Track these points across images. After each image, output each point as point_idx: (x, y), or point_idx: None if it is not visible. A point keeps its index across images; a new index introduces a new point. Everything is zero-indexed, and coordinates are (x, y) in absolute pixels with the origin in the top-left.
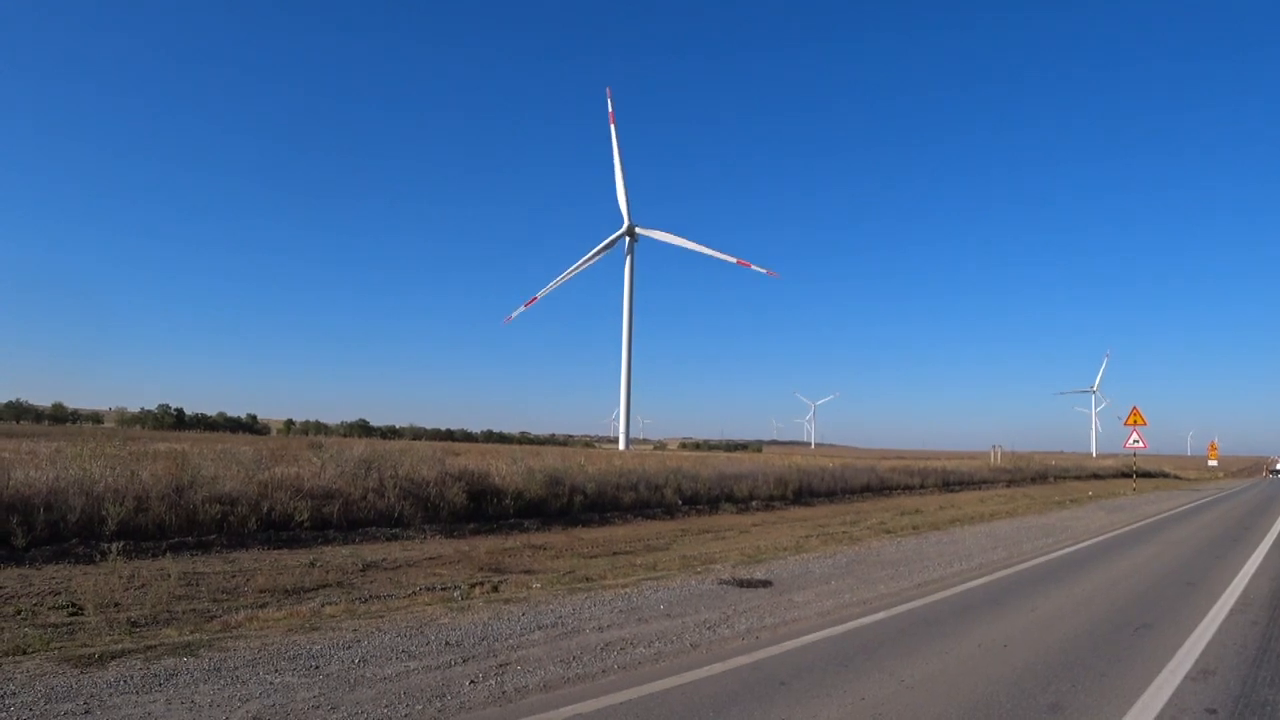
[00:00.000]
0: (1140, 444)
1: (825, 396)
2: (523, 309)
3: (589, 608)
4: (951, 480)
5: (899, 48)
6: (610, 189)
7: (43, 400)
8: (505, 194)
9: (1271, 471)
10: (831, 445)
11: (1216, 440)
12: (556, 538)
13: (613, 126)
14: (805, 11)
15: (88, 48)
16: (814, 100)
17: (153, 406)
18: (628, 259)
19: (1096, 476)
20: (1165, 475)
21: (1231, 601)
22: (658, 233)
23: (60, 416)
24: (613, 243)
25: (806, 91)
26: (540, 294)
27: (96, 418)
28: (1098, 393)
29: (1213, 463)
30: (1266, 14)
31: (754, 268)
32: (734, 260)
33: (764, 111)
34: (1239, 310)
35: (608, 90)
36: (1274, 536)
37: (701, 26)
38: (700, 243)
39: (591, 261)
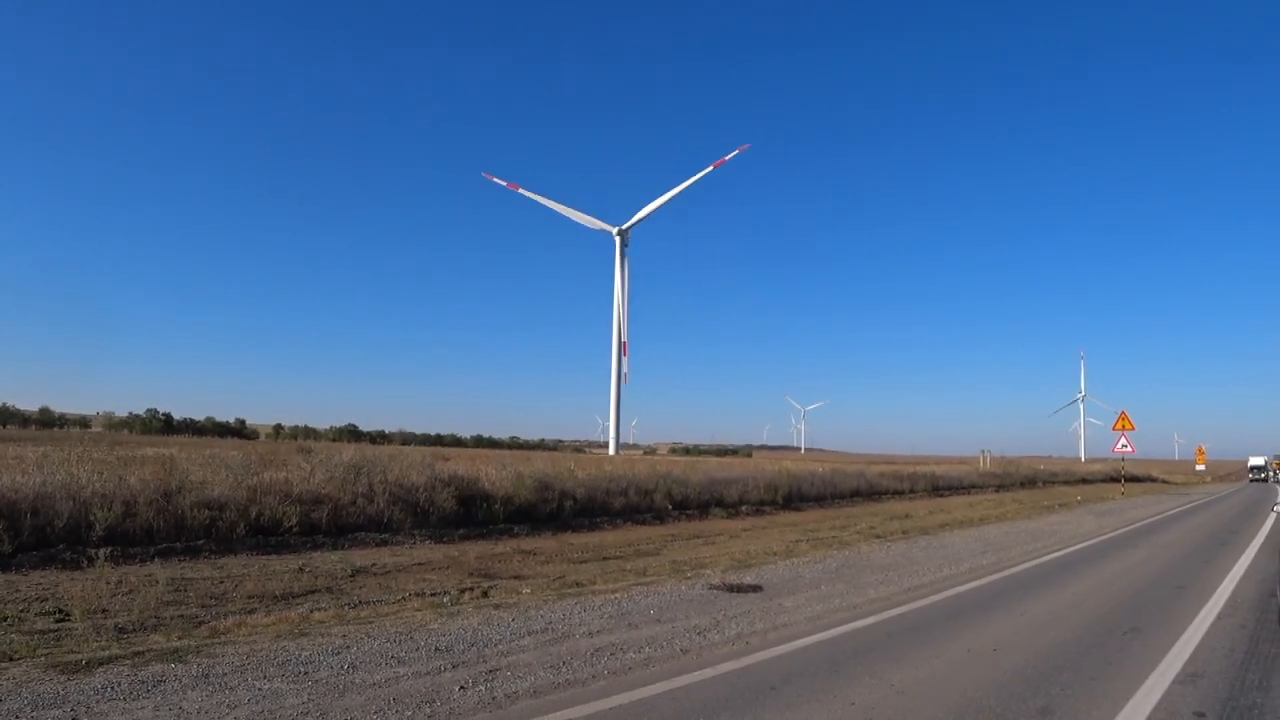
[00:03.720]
0: (1128, 449)
1: (815, 403)
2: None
3: (579, 613)
4: (941, 485)
5: (883, 52)
6: (595, 189)
7: (29, 405)
8: (491, 197)
9: (1251, 473)
10: (821, 450)
11: (1204, 445)
12: (546, 543)
13: (519, 190)
14: (792, 16)
15: (69, 49)
16: (797, 104)
17: (140, 411)
18: (619, 261)
19: (1085, 481)
20: (1153, 480)
21: (1220, 605)
22: (642, 212)
23: (47, 421)
24: (624, 252)
25: (788, 96)
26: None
27: (84, 422)
28: (1087, 399)
29: (1200, 467)
30: (1256, 21)
31: (728, 157)
32: (711, 168)
33: (746, 114)
34: (1227, 314)
35: (485, 174)
36: (1261, 540)
37: (685, 29)
38: (682, 184)
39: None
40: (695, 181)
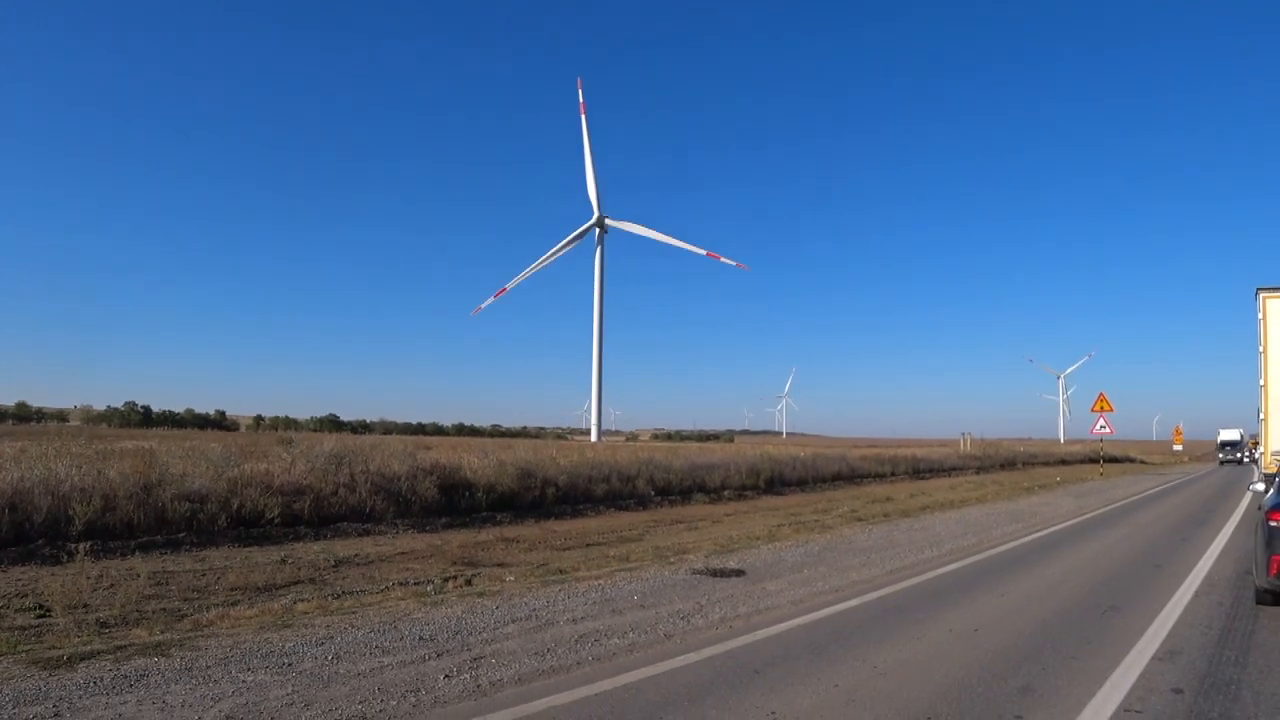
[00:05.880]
0: (1107, 430)
1: (788, 393)
2: (492, 300)
3: (563, 600)
4: (922, 468)
5: (860, 30)
6: (579, 181)
7: (5, 399)
8: (474, 188)
9: (1222, 452)
10: (802, 434)
11: (1181, 425)
12: (529, 530)
13: (583, 117)
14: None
15: (52, 49)
16: (779, 89)
17: (119, 404)
18: (598, 250)
19: (1064, 462)
20: (1132, 460)
21: (1197, 583)
22: (627, 224)
23: (24, 415)
24: (582, 234)
25: (770, 81)
26: (510, 285)
27: (61, 416)
28: (1063, 379)
29: (1178, 447)
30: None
31: (723, 260)
32: (703, 252)
33: (728, 101)
34: (1203, 291)
35: (579, 81)
36: (1238, 518)
37: (668, 16)
38: (669, 234)
39: (561, 252)
40: (685, 247)
